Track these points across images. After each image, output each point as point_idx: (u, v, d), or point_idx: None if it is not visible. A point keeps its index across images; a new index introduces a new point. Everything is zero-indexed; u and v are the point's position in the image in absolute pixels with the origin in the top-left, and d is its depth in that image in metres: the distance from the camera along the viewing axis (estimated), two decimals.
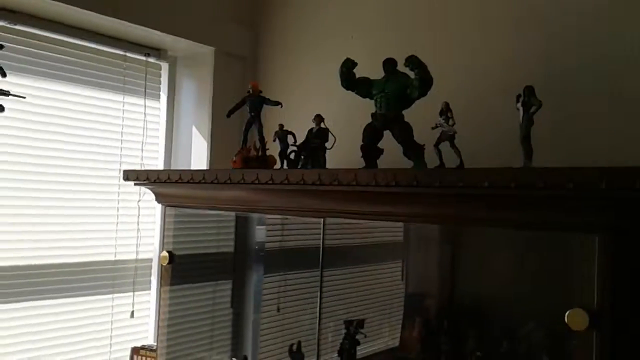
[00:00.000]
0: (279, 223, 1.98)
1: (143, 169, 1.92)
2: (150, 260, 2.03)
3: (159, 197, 1.63)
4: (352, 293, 1.77)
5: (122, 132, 1.97)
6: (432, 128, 1.31)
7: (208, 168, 1.98)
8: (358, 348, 1.74)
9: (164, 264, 1.59)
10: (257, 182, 1.32)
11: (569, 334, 0.95)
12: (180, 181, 1.45)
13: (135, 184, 1.61)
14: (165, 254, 1.58)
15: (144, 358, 1.88)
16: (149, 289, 2.02)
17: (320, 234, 1.43)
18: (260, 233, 1.98)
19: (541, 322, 1.11)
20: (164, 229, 1.64)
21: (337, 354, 1.72)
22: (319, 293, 1.44)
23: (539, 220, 1.00)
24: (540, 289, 1.12)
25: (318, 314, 1.43)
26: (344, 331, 1.73)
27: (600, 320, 0.92)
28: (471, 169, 1.06)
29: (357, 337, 1.74)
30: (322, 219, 1.36)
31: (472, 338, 1.27)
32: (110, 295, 1.91)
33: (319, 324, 1.43)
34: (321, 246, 1.41)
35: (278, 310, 1.87)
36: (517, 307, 1.19)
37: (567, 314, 0.94)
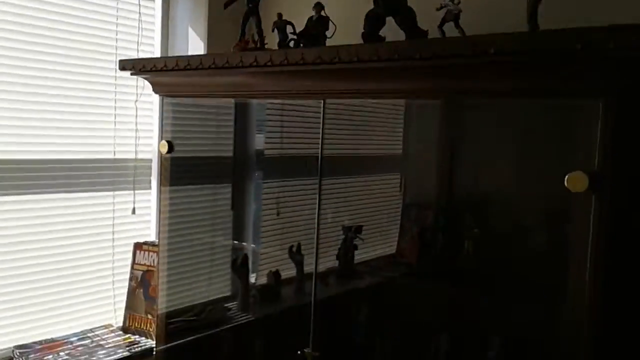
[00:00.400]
0: (278, 130, 1.97)
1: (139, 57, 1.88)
2: (150, 160, 2.03)
3: (156, 87, 1.60)
4: (351, 201, 1.79)
5: (117, 32, 1.91)
6: (437, 9, 1.27)
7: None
8: (356, 253, 1.78)
9: (164, 153, 1.59)
10: (255, 64, 1.28)
11: (568, 198, 0.95)
12: (177, 68, 1.42)
13: (131, 74, 1.57)
14: (164, 143, 1.57)
15: (146, 253, 1.93)
16: (149, 188, 2.04)
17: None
18: (259, 140, 1.98)
19: (541, 189, 1.12)
20: (162, 120, 1.62)
21: (335, 258, 1.77)
22: (317, 200, 1.44)
23: (545, 86, 0.99)
24: (542, 157, 1.12)
25: (316, 220, 1.44)
26: (342, 236, 1.77)
27: (600, 182, 0.92)
28: (476, 35, 1.02)
29: (355, 242, 1.78)
30: (322, 102, 1.34)
31: (470, 215, 1.29)
32: (111, 193, 1.93)
33: (318, 230, 1.44)
34: (321, 134, 1.39)
35: (278, 214, 1.90)
36: (518, 179, 1.20)
37: (567, 176, 0.94)
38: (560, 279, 1.00)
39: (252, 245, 1.96)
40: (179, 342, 1.68)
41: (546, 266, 1.17)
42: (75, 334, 1.86)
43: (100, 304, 1.95)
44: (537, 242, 1.20)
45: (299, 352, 1.37)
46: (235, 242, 1.95)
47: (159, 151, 1.60)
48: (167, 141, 1.57)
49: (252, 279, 1.86)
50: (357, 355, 1.51)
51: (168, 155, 1.58)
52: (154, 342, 1.73)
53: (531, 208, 1.19)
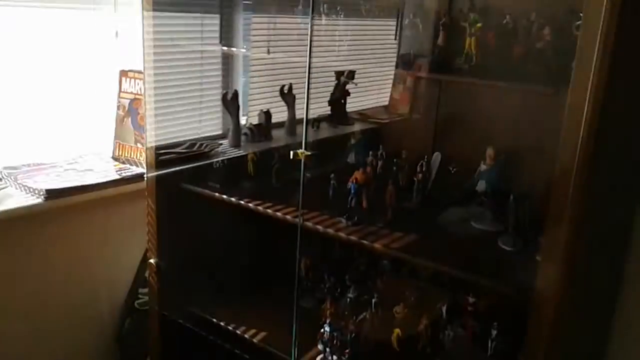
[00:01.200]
0: None
1: None
2: None
3: None
4: (345, 45, 1.69)
5: None
6: None
7: None
8: (349, 100, 1.74)
9: None
10: None
11: None
12: None
13: None
14: None
15: (132, 80, 1.85)
16: (133, 13, 1.87)
17: None
18: None
19: None
20: None
21: (327, 104, 1.73)
22: (308, 40, 1.34)
23: None
24: None
25: (308, 61, 1.35)
26: (334, 82, 1.71)
27: None
28: None
29: (348, 87, 1.73)
30: None
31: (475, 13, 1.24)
32: (91, 13, 1.76)
33: (309, 72, 1.37)
34: None
35: (268, 52, 1.80)
36: None
37: None
38: (566, 63, 0.93)
39: (242, 80, 1.89)
40: (170, 170, 1.69)
41: (554, 52, 1.14)
42: (64, 160, 1.86)
43: (88, 132, 1.92)
44: (545, 31, 1.16)
45: (291, 152, 1.36)
46: (225, 77, 1.88)
47: None
48: None
49: (243, 120, 1.84)
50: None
51: None
52: (145, 170, 1.75)
53: None
